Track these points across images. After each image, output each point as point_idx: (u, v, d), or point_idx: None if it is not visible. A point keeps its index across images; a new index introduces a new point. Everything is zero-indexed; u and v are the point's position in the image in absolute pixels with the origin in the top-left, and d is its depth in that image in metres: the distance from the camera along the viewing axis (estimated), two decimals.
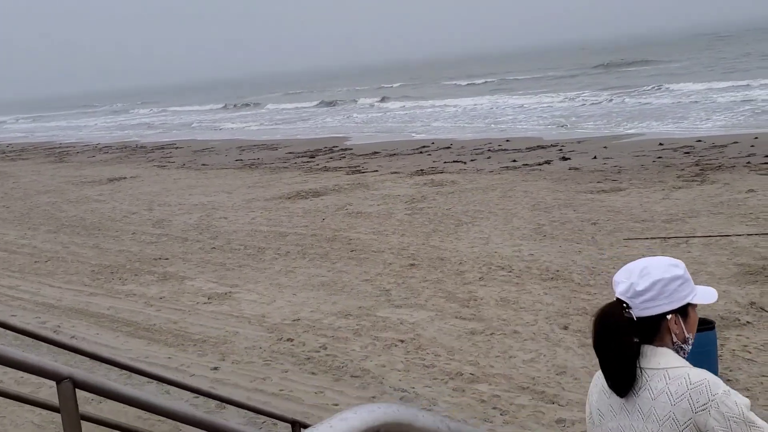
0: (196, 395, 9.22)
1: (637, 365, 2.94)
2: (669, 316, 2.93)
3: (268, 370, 11.01)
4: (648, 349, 2.95)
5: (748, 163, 24.69)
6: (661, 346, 2.95)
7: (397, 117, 62.23)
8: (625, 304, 2.95)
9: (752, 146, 27.76)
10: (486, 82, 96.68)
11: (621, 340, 2.92)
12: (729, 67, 71.13)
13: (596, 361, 9.25)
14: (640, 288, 2.90)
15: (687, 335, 2.99)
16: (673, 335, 2.96)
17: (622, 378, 2.95)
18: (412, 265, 15.95)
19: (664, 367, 2.90)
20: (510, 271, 14.85)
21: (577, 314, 12.14)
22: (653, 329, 2.95)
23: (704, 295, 3.04)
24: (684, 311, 2.98)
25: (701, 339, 9.44)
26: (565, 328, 11.63)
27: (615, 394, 3.03)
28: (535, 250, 16.18)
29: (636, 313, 2.92)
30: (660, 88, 58.18)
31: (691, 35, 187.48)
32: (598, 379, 3.18)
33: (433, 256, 16.45)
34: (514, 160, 30.31)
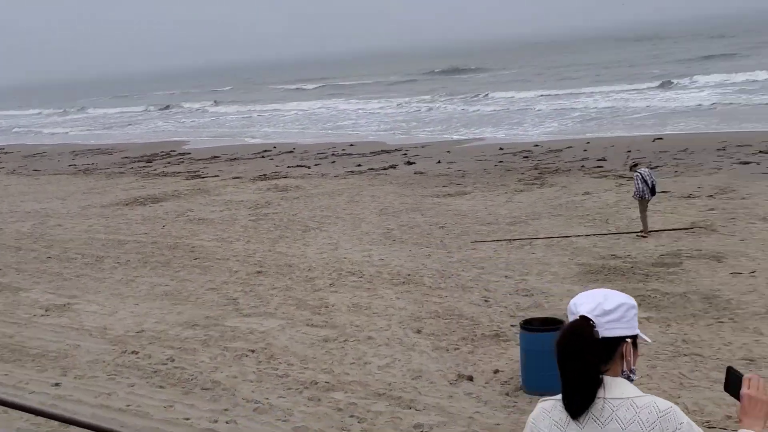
0: (36, 416, 8.63)
1: (600, 395, 2.93)
2: (628, 340, 2.99)
3: (114, 384, 10.48)
4: (606, 380, 2.95)
5: (583, 166, 25.73)
6: (614, 376, 2.98)
7: (233, 121, 61.60)
8: (591, 322, 2.94)
9: (585, 150, 28.95)
10: (323, 86, 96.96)
11: (588, 357, 2.90)
12: (559, 75, 73.96)
13: (452, 363, 9.20)
14: (607, 307, 2.96)
15: (633, 366, 3.04)
16: (625, 363, 3.00)
17: (586, 395, 2.92)
18: (259, 272, 15.65)
19: (629, 396, 2.93)
20: (361, 277, 14.78)
21: (430, 318, 12.18)
22: (610, 353, 2.97)
23: (645, 335, 3.16)
24: (635, 341, 3.04)
25: (553, 338, 9.65)
26: (419, 331, 11.63)
27: (573, 425, 2.97)
28: (385, 255, 16.20)
29: (600, 332, 2.93)
30: (488, 96, 59.63)
31: (525, 43, 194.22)
32: (546, 412, 3.07)
33: (280, 263, 16.20)
34: (359, 165, 30.42)
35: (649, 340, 3.16)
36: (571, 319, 2.99)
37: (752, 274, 13.19)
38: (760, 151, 25.22)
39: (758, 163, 23.46)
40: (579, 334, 2.92)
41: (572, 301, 3.06)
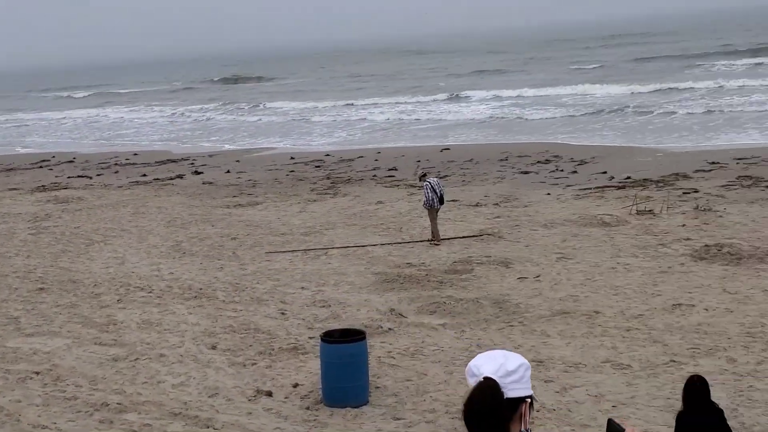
0: None
1: None
2: (527, 400, 2.98)
3: None
4: None
5: (375, 176, 26.10)
6: None
7: (4, 129, 58.16)
8: (496, 383, 2.92)
9: (376, 160, 29.39)
10: (95, 93, 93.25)
11: (500, 417, 2.88)
12: (342, 86, 74.60)
13: (250, 379, 8.89)
14: (510, 368, 2.96)
15: (528, 426, 3.03)
16: (522, 423, 2.99)
17: None
18: (41, 289, 14.75)
19: None
20: (150, 292, 14.22)
21: (225, 332, 11.87)
22: (512, 413, 2.95)
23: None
24: (531, 401, 3.03)
25: (353, 350, 9.58)
26: (214, 347, 11.31)
27: None
28: (176, 269, 15.68)
29: (505, 393, 2.91)
30: (270, 106, 59.23)
31: (308, 52, 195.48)
32: None
33: (64, 279, 15.34)
34: (144, 175, 29.47)
35: (538, 400, 3.18)
36: (473, 381, 2.97)
37: (537, 279, 13.80)
38: (538, 162, 26.54)
39: (537, 173, 24.67)
40: (489, 394, 2.92)
41: (471, 363, 3.04)
